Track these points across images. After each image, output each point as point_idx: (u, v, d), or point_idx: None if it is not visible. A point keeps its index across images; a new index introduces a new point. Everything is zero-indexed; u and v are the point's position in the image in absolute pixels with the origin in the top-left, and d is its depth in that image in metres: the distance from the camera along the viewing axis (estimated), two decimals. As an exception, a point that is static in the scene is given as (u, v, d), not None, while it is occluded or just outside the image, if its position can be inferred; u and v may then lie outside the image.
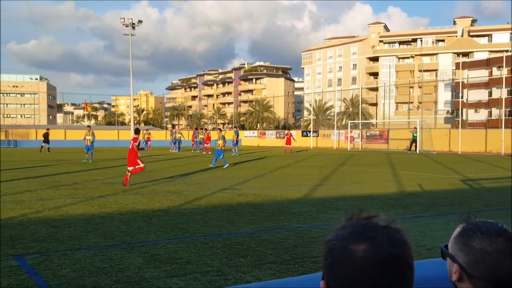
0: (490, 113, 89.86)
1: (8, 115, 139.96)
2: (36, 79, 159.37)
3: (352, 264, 1.33)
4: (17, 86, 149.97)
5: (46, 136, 51.12)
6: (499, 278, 1.57)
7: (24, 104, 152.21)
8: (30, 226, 10.49)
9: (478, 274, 1.57)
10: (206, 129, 60.02)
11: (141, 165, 19.60)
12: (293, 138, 53.35)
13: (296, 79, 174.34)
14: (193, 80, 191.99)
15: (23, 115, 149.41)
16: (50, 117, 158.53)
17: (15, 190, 16.94)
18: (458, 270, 1.62)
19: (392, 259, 1.33)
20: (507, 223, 1.74)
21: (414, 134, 54.59)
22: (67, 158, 38.11)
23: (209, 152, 49.14)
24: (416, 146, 53.96)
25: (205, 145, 51.21)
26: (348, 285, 1.34)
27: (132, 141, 19.75)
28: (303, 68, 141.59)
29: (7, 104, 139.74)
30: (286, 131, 65.65)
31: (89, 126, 40.06)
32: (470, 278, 1.59)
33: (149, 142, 60.28)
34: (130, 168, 19.33)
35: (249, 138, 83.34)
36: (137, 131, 20.72)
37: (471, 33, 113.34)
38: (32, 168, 27.37)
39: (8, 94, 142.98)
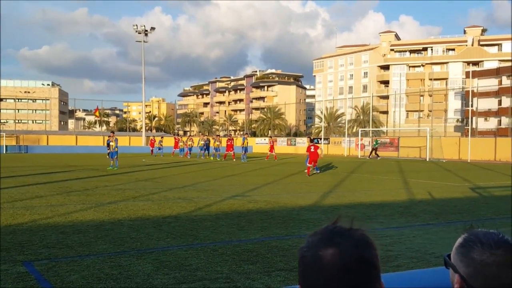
0: (499, 122, 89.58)
1: (20, 121, 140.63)
2: (48, 85, 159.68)
3: (322, 270, 1.40)
4: (28, 92, 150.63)
5: (108, 143, 53.93)
6: None
7: (35, 110, 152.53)
8: (39, 232, 10.50)
9: (478, 285, 1.56)
10: (229, 135, 59.81)
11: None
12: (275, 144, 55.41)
13: (307, 86, 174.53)
14: (205, 87, 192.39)
15: (34, 121, 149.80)
16: (62, 123, 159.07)
17: (25, 196, 16.99)
18: (459, 281, 1.62)
19: (357, 262, 1.40)
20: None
21: (376, 141, 59.43)
22: (77, 164, 38.22)
23: (233, 160, 48.43)
24: (375, 151, 57.31)
25: (226, 152, 50.10)
26: None
27: (314, 148, 27.95)
28: (315, 76, 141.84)
29: (18, 110, 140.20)
30: (268, 138, 66.12)
31: (112, 132, 38.16)
32: None
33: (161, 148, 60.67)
34: (309, 165, 26.94)
35: (260, 145, 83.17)
36: (312, 140, 28.79)
37: (481, 42, 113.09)
38: (43, 174, 27.45)
39: (19, 100, 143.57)
